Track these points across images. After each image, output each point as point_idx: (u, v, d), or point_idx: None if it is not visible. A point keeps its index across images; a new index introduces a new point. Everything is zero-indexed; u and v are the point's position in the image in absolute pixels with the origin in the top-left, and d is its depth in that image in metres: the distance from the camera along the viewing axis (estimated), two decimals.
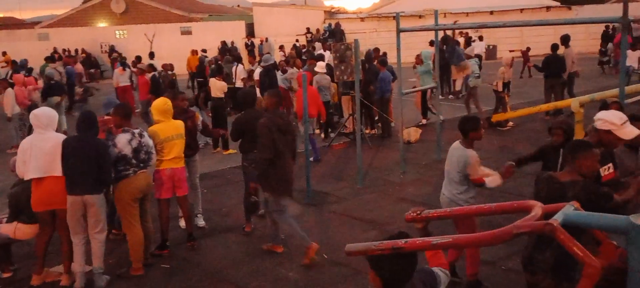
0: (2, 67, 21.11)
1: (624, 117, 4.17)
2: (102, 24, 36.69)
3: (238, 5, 55.13)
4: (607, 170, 3.99)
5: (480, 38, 22.64)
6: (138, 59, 17.51)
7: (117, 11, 36.65)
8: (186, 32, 31.96)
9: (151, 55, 18.45)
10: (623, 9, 6.33)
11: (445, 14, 27.72)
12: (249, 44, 28.57)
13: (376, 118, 12.40)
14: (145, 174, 5.83)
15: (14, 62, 19.82)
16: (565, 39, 13.73)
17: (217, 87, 11.63)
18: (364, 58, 12.43)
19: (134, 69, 16.02)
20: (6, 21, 48.83)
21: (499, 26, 20.19)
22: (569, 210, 2.14)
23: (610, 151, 4.27)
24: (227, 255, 6.39)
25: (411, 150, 10.73)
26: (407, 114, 12.27)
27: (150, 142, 5.87)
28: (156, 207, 6.35)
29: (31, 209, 5.52)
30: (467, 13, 30.15)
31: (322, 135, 12.32)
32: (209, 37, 29.07)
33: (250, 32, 33.05)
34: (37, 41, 31.25)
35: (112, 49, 29.26)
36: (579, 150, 3.59)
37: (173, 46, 28.34)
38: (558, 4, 34.80)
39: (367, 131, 12.21)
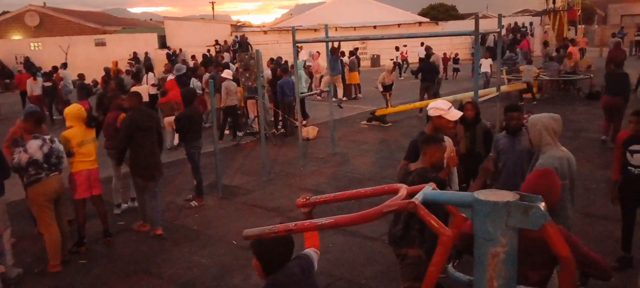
0: None
1: (449, 104, 4.53)
2: (16, 36, 33.84)
3: (151, 19, 53.01)
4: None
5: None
6: (54, 69, 16.52)
7: (31, 24, 34.01)
8: (100, 44, 30.21)
9: (64, 65, 17.58)
10: (475, 24, 6.85)
11: (336, 27, 28.33)
12: (171, 53, 27.52)
13: (280, 119, 12.47)
14: (58, 177, 5.53)
15: None
16: (428, 48, 14.88)
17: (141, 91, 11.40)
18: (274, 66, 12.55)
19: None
20: None
21: (380, 38, 20.85)
22: (428, 190, 2.31)
23: (482, 124, 4.62)
24: (143, 247, 6.19)
25: (310, 146, 10.91)
26: (309, 113, 12.51)
27: (61, 147, 5.57)
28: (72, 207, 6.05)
29: None
30: (355, 27, 30.99)
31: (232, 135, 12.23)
32: (122, 48, 27.72)
33: (163, 43, 31.89)
34: None
35: (27, 60, 27.08)
36: (429, 143, 3.84)
37: (87, 57, 26.75)
38: (428, 20, 36.71)
39: (274, 131, 12.29)
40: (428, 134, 4.15)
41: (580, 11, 20.45)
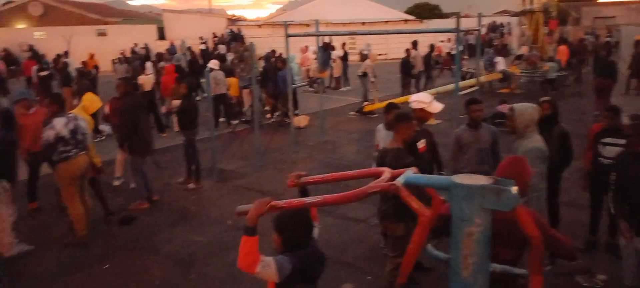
0: None
1: (431, 97, 4.57)
2: (20, 25, 33.30)
3: (150, 11, 52.42)
4: (422, 143, 4.30)
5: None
6: (58, 56, 16.36)
7: (35, 14, 33.47)
8: (102, 34, 29.84)
9: (65, 53, 17.52)
10: (456, 22, 6.89)
11: (326, 23, 28.21)
12: (171, 47, 27.18)
13: (275, 107, 12.45)
14: (85, 156, 5.53)
15: None
16: (415, 43, 14.94)
17: (147, 81, 11.80)
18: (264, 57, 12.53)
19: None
20: None
21: (367, 33, 20.81)
22: (409, 173, 2.35)
23: (425, 129, 4.60)
24: (141, 226, 6.19)
25: (301, 134, 10.92)
26: (300, 103, 12.51)
27: (85, 125, 5.57)
28: None
29: None
30: (344, 23, 30.89)
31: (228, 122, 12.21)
32: (123, 39, 27.37)
33: (161, 35, 31.57)
34: None
35: (31, 49, 26.68)
36: (401, 120, 3.88)
37: (89, 47, 26.38)
38: (413, 18, 36.73)
39: (268, 116, 12.30)
40: (399, 112, 4.17)
41: (557, 19, 20.75)
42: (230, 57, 15.98)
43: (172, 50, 23.56)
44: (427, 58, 15.76)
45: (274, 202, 2.30)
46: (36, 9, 33.55)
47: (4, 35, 28.83)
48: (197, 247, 5.56)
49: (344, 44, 19.45)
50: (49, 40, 27.94)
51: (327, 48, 14.24)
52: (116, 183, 7.61)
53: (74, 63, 16.95)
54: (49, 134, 5.32)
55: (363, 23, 31.61)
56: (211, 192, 7.41)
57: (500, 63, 15.47)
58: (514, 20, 32.08)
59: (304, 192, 2.74)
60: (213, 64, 12.04)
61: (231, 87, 12.10)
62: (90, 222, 5.79)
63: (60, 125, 5.35)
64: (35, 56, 21.36)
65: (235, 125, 11.84)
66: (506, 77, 14.62)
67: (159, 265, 5.16)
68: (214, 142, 8.03)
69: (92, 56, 19.60)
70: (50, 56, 19.76)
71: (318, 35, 10.15)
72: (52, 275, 4.98)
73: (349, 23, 31.12)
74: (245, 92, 12.31)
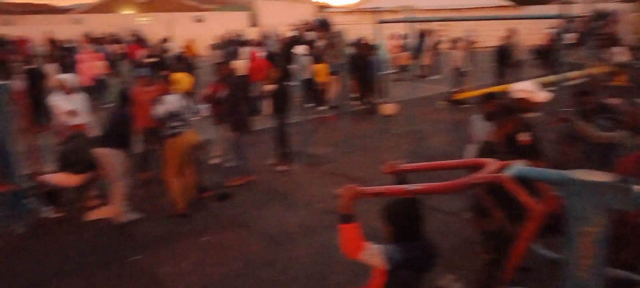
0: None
1: (536, 86, 4.30)
2: (127, 11, 36.03)
3: None
4: (524, 136, 4.03)
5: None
6: (162, 41, 17.61)
7: (141, 1, 36.00)
8: (199, 20, 31.49)
9: (164, 40, 18.83)
10: (561, 9, 6.43)
11: (417, 10, 27.52)
12: (264, 34, 28.03)
13: (363, 94, 12.44)
14: (192, 133, 5.93)
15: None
16: (511, 30, 14.12)
17: (241, 66, 12.16)
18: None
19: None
20: (42, 8, 47.60)
21: (460, 20, 20.04)
22: (519, 165, 2.26)
23: (527, 121, 4.34)
24: (239, 203, 6.50)
25: (388, 122, 10.82)
26: (388, 91, 12.39)
27: (193, 104, 6.00)
28: None
29: (80, 163, 5.63)
30: (436, 10, 29.96)
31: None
32: (218, 25, 28.66)
33: (254, 22, 32.66)
34: (72, 25, 30.63)
35: (136, 34, 28.80)
36: (504, 113, 3.72)
37: (188, 32, 27.93)
38: (511, 3, 34.69)
39: (356, 103, 12.32)
40: (502, 103, 3.98)
41: None
42: (318, 44, 16.16)
43: (263, 37, 24.26)
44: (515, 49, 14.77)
45: (364, 189, 2.30)
46: None
47: (112, 21, 31.36)
48: (288, 226, 5.75)
49: (434, 31, 18.90)
50: (153, 26, 29.99)
51: (423, 35, 13.91)
52: (214, 161, 8.03)
53: (175, 48, 18.08)
54: (160, 110, 5.77)
55: (455, 9, 30.47)
56: (300, 175, 7.61)
57: (619, 53, 14.13)
58: (624, 6, 29.25)
59: (401, 180, 2.70)
60: (301, 49, 12.24)
61: (320, 73, 12.25)
62: (191, 196, 6.21)
63: (170, 102, 5.78)
64: (139, 41, 22.98)
65: (322, 111, 12.00)
66: (622, 69, 13.40)
67: (254, 241, 5.41)
68: (303, 127, 8.21)
69: (191, 42, 20.80)
70: (154, 41, 21.28)
71: (409, 22, 9.96)
72: (160, 242, 5.40)
73: (441, 9, 30.15)
74: (334, 78, 12.41)
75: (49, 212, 5.93)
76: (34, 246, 5.37)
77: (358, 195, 2.32)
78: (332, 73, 12.31)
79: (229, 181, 7.11)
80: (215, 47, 20.22)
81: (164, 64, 15.02)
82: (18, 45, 21.85)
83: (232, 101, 6.86)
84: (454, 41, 13.57)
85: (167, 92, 5.89)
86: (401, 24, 13.90)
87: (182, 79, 6.68)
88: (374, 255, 2.31)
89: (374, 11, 9.37)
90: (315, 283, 4.56)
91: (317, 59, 12.36)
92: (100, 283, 4.64)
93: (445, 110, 12.16)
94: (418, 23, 14.54)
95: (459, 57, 13.35)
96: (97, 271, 4.82)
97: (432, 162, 2.78)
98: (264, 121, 10.73)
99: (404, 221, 2.44)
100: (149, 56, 16.05)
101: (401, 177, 2.73)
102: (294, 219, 5.95)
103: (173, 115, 5.75)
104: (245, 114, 7.17)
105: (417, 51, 13.84)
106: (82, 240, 5.49)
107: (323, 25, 28.71)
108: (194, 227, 5.79)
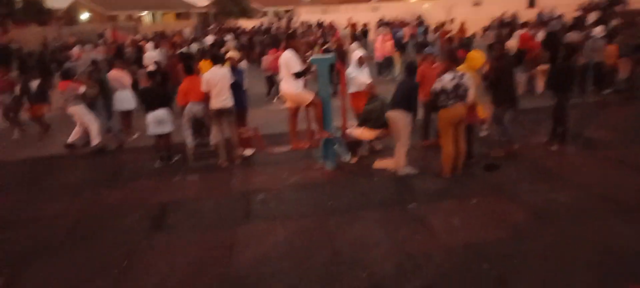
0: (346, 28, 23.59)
1: None
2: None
3: None
4: None
5: None
6: (441, 25, 17.64)
7: None
8: (477, 4, 30.17)
9: (443, 23, 18.72)
10: None
11: None
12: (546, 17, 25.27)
13: None
14: (461, 107, 5.87)
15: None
16: None
17: (513, 46, 11.52)
18: None
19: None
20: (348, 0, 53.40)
21: None
22: None
23: None
24: (507, 174, 6.11)
25: None
26: None
27: (469, 81, 5.89)
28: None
29: (376, 121, 6.32)
30: None
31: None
32: (494, 8, 26.85)
33: (531, 3, 29.32)
34: (370, 12, 33.61)
35: (418, 18, 29.61)
36: None
37: (465, 15, 27.14)
38: None
39: None
40: None
41: None
42: (612, 23, 13.47)
43: (541, 18, 21.67)
44: None
45: None
46: None
47: (401, 8, 32.92)
48: (558, 205, 5.13)
49: None
50: (432, 11, 30.28)
51: None
52: (483, 134, 7.74)
53: (453, 30, 17.88)
54: (436, 86, 5.89)
55: None
56: (575, 158, 6.64)
57: None
58: None
59: None
60: (597, 31, 10.46)
61: (610, 55, 10.24)
62: (461, 162, 6.15)
63: (446, 80, 5.81)
64: (421, 24, 23.55)
65: (606, 94, 10.07)
66: None
67: (518, 212, 5.03)
68: (583, 109, 7.06)
69: (463, 24, 20.23)
70: (432, 24, 21.52)
71: None
72: (432, 198, 5.54)
73: None
74: (625, 60, 10.19)
75: (348, 158, 6.78)
76: (337, 181, 6.25)
77: None
78: (623, 55, 10.14)
79: (495, 152, 6.74)
80: (487, 28, 19.19)
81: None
82: (328, 29, 25.23)
83: (500, 78, 6.46)
84: None
85: (448, 69, 5.88)
86: None
87: (476, 56, 6.53)
88: None
89: None
90: (592, 271, 3.90)
91: (609, 39, 10.34)
92: (388, 218, 5.05)
93: None
94: None
95: None
96: (380, 209, 5.29)
97: None
98: (539, 100, 9.71)
99: None
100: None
101: None
102: (563, 199, 5.27)
103: (447, 90, 5.75)
104: (512, 89, 6.64)
105: None
106: (371, 183, 6.10)
107: (614, 3, 23.78)
108: (463, 190, 5.73)
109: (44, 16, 43.84)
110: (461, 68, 6.57)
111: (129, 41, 21.51)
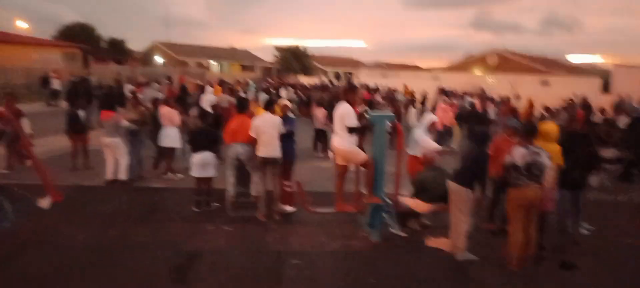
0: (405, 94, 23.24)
1: None
2: (478, 72, 36.62)
3: (592, 68, 47.53)
4: None
5: None
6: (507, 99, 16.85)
7: (491, 63, 35.99)
8: (545, 84, 29.01)
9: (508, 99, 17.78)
10: None
11: None
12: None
13: None
14: (535, 188, 5.10)
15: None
16: None
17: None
18: None
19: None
20: (410, 67, 53.70)
21: None
22: None
23: None
24: (584, 276, 5.15)
25: None
26: None
27: (546, 162, 5.09)
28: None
29: (431, 193, 5.57)
30: None
31: None
32: (563, 89, 25.63)
33: (606, 89, 27.80)
34: (431, 80, 33.24)
35: (483, 92, 28.82)
36: None
37: (531, 93, 26.07)
38: None
39: None
40: None
41: None
42: None
43: (622, 106, 20.17)
44: None
45: None
46: (492, 60, 36.02)
47: (463, 79, 32.29)
48: None
49: None
50: (498, 85, 29.39)
51: None
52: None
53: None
54: (507, 159, 5.17)
55: None
56: None
57: None
58: None
59: None
60: None
61: None
62: (530, 253, 5.26)
63: (518, 155, 5.08)
64: (484, 97, 22.72)
65: None
66: None
67: None
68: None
69: (531, 103, 19.23)
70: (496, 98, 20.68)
71: None
72: None
73: None
74: None
75: (397, 229, 6.09)
76: (382, 255, 5.55)
77: None
78: None
79: (571, 248, 5.77)
80: (551, 111, 18.07)
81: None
82: (386, 93, 24.98)
83: (572, 160, 5.66)
84: None
85: (524, 144, 5.16)
86: None
87: (551, 129, 5.69)
88: None
89: None
90: None
91: None
92: None
93: None
94: None
95: None
96: None
97: None
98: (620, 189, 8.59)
99: None
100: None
101: None
102: None
103: (516, 168, 5.01)
104: (584, 172, 5.86)
105: None
106: (420, 263, 5.35)
107: None
108: (531, 287, 4.85)
109: (125, 56, 47.58)
110: (540, 142, 5.80)
111: (193, 86, 22.35)
